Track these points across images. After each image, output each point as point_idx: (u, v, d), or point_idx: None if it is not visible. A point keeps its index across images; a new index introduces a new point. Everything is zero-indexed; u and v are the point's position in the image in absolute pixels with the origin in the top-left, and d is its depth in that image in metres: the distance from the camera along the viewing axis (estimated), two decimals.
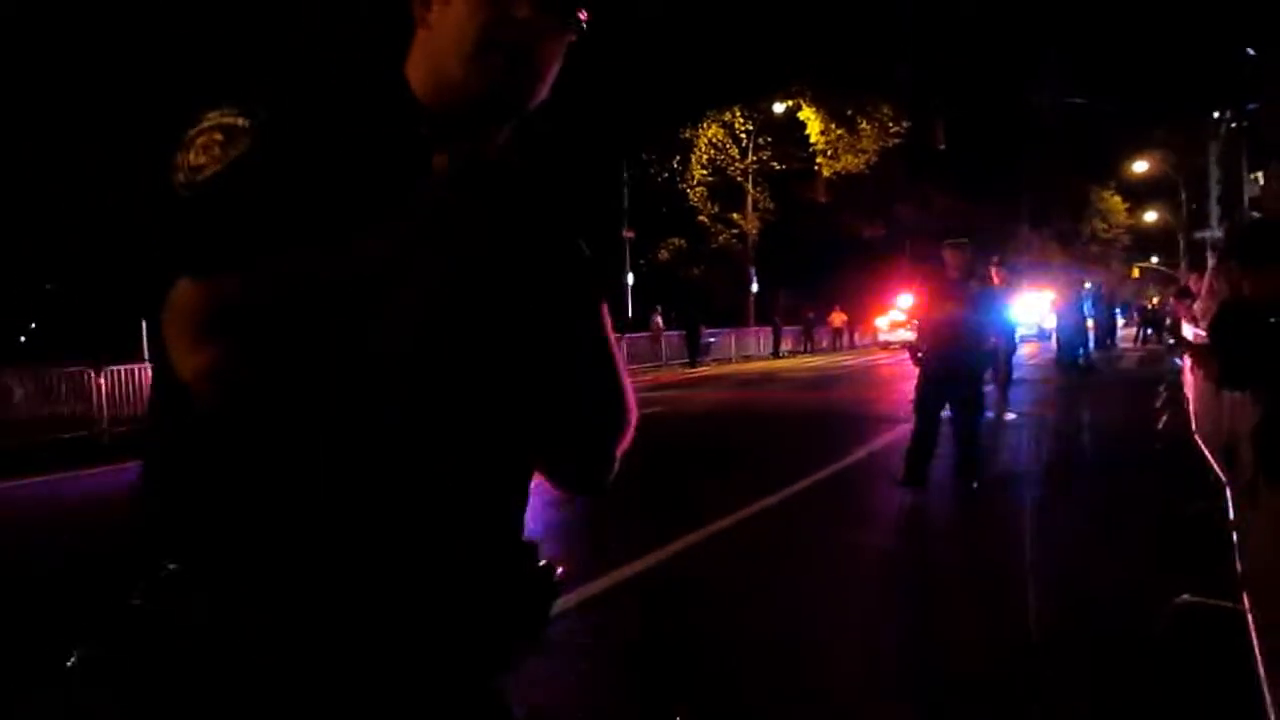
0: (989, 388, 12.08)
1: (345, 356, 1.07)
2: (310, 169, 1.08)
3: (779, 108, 33.68)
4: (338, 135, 1.11)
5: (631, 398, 1.23)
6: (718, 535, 6.18)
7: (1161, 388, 12.58)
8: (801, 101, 34.05)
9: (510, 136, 1.23)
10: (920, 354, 7.42)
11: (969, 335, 7.17)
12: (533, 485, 1.22)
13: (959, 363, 7.11)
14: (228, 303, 1.03)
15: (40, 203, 18.48)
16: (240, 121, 1.08)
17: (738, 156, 34.46)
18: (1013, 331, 13.23)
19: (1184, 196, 46.14)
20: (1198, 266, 38.27)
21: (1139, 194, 50.58)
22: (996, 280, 13.64)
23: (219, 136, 1.07)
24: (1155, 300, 42.53)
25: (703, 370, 25.69)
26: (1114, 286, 41.36)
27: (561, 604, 4.52)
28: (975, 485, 7.28)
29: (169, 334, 1.05)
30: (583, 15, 1.20)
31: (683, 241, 35.61)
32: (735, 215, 34.91)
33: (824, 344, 35.46)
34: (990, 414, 11.93)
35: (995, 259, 14.02)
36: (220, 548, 1.06)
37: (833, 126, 34.51)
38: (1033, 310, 31.41)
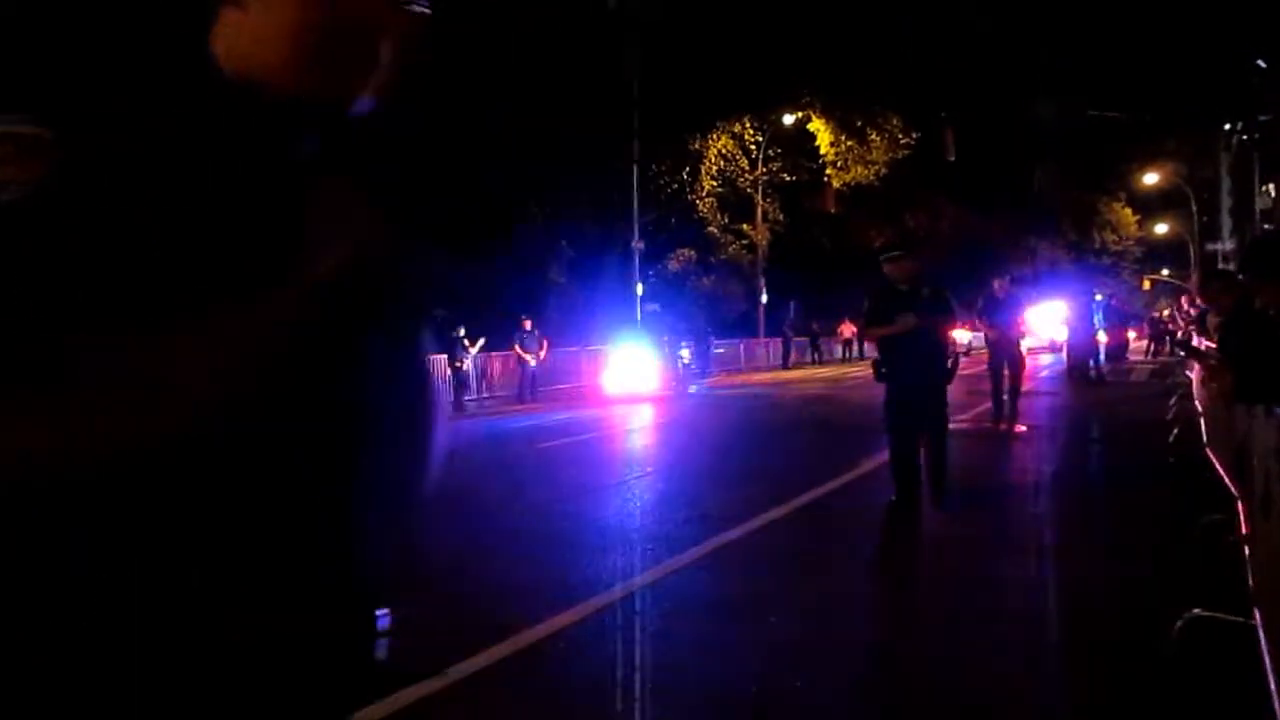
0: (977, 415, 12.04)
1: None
2: (138, 182, 0.88)
3: (789, 119, 33.71)
4: (162, 135, 0.91)
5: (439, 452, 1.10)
6: (729, 545, 6.19)
7: (1173, 400, 12.53)
8: (811, 113, 34.10)
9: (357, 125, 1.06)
10: (883, 370, 7.13)
11: (926, 347, 6.91)
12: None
13: (921, 376, 6.91)
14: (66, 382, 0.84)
15: None
16: (36, 131, 0.86)
17: (747, 168, 34.49)
18: (1018, 343, 13.09)
19: (1195, 208, 46.06)
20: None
21: (1150, 206, 50.51)
22: (997, 292, 13.51)
23: (9, 149, 0.85)
24: (1165, 312, 42.35)
25: (711, 381, 25.73)
26: (1125, 299, 41.24)
27: (575, 614, 4.56)
28: (944, 501, 7.12)
29: None
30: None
31: (692, 252, 35.64)
32: (745, 226, 34.93)
33: (835, 354, 35.51)
34: (1002, 426, 11.92)
35: (1007, 277, 14.01)
36: None
37: (843, 138, 34.55)
38: (1044, 323, 31.34)
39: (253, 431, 0.93)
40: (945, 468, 7.22)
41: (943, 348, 7.16)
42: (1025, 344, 14.05)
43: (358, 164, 1.06)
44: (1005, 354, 12.80)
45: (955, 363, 7.37)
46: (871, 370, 7.35)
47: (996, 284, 13.76)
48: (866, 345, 36.49)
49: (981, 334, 14.75)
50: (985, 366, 13.54)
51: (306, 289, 0.95)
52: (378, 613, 1.09)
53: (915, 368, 6.86)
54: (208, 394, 0.91)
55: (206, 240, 0.91)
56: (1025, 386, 13.47)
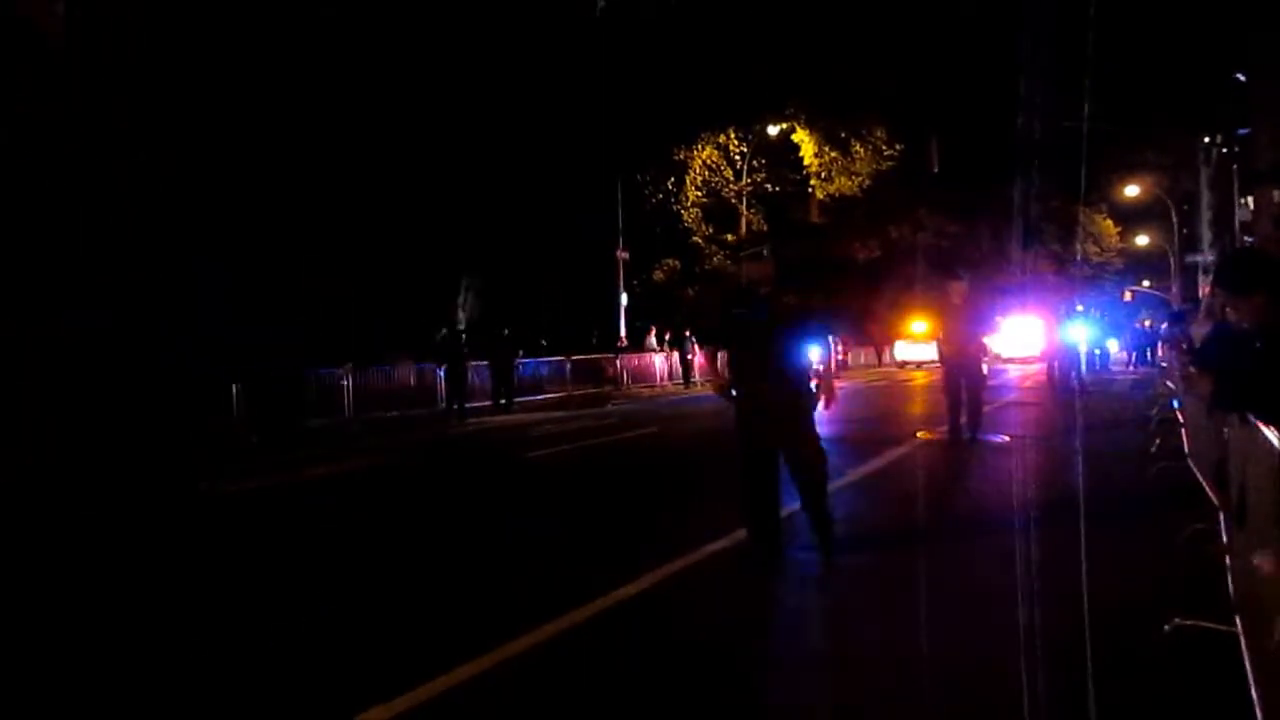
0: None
1: None
2: None
3: (773, 130, 33.87)
4: None
5: None
6: (714, 556, 6.17)
7: (1155, 410, 12.60)
8: (796, 124, 34.26)
9: None
10: (733, 390, 6.10)
11: (778, 366, 5.89)
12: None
13: (773, 400, 5.88)
14: None
15: None
16: None
17: (732, 178, 34.61)
18: (978, 358, 11.69)
19: (1175, 220, 46.47)
20: (1190, 290, 38.39)
21: (1131, 218, 50.92)
22: (955, 299, 11.73)
23: None
24: (1148, 322, 42.69)
25: (695, 390, 25.79)
26: (1106, 310, 41.56)
27: (565, 624, 4.54)
28: (829, 556, 6.00)
29: None
30: None
31: (677, 262, 35.71)
32: (729, 236, 35.02)
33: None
34: (981, 436, 11.81)
35: (959, 275, 12.71)
36: None
37: (826, 149, 34.70)
38: (1027, 333, 31.52)
39: None
40: (823, 513, 6.08)
41: (801, 367, 5.98)
42: (1008, 354, 13.55)
43: None
44: (961, 370, 11.42)
45: (827, 386, 6.19)
46: (719, 392, 6.31)
47: (953, 288, 11.88)
48: (849, 358, 36.58)
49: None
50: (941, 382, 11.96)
51: None
52: None
53: (762, 391, 5.92)
54: None
55: None
56: (1010, 397, 13.46)
